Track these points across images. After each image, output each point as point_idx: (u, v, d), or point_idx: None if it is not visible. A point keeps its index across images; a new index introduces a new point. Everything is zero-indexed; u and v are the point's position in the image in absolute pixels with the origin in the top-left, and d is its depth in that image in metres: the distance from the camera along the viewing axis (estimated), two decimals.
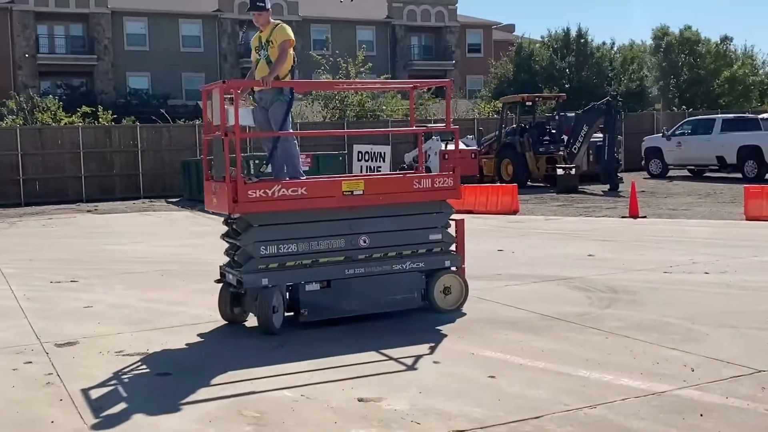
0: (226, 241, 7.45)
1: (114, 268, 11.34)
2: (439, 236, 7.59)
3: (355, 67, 34.95)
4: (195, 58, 50.24)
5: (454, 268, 7.66)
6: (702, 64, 49.17)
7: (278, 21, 7.75)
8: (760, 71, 53.09)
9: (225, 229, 7.52)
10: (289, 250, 6.91)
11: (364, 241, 7.20)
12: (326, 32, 52.66)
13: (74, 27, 48.95)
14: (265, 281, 6.74)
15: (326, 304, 7.05)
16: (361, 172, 22.20)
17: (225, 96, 6.95)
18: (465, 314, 7.49)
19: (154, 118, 32.84)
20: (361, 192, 7.13)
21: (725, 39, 52.01)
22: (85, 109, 33.00)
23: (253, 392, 5.28)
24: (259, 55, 7.60)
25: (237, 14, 50.59)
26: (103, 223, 19.65)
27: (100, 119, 32.91)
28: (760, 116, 27.01)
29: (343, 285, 7.11)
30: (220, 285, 7.36)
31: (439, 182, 7.66)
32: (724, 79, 48.84)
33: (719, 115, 28.19)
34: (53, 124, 32.13)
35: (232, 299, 7.23)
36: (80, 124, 30.98)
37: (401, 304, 7.41)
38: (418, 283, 7.47)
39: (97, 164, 27.86)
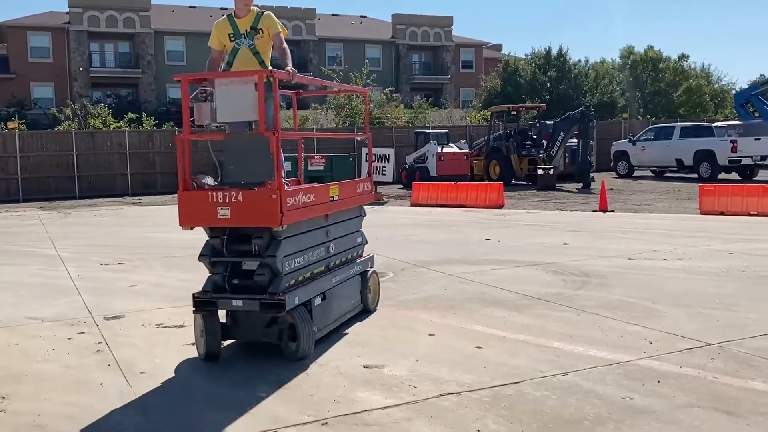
0: (213, 263, 5.40)
1: (156, 252, 11.37)
2: (360, 239, 6.92)
3: (361, 79, 34.87)
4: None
5: (374, 268, 7.06)
6: (663, 78, 49.01)
7: (260, 8, 5.97)
8: (715, 85, 52.92)
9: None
10: (299, 263, 5.47)
11: (332, 249, 6.17)
12: (339, 50, 52.63)
13: (122, 45, 49.04)
14: (296, 299, 5.19)
15: (322, 319, 5.77)
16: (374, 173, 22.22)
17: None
18: (456, 294, 7.50)
19: None
20: (337, 197, 6.14)
21: (683, 56, 51.80)
22: (130, 115, 33.49)
23: (274, 359, 5.32)
24: (237, 44, 5.87)
25: None
26: (146, 214, 19.68)
27: (144, 124, 33.07)
28: (714, 124, 26.91)
29: (330, 296, 5.95)
30: (198, 318, 5.33)
31: (361, 187, 6.91)
32: (683, 91, 48.67)
33: (678, 123, 28.10)
34: (103, 128, 32.36)
35: (225, 332, 5.49)
36: (126, 128, 31.24)
37: (353, 309, 6.52)
38: (359, 286, 6.66)
39: (141, 163, 28.09)
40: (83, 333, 6.27)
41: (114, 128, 32.18)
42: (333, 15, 57.24)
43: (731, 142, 23.63)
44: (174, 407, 4.43)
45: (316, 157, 21.31)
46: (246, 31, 5.84)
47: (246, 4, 5.85)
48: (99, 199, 25.29)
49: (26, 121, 35.84)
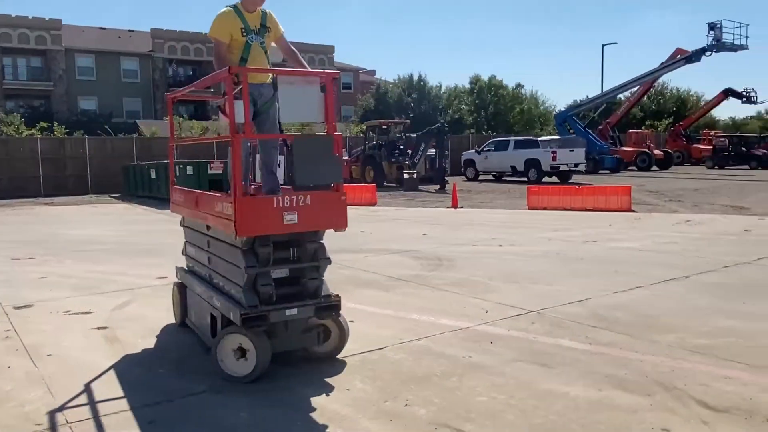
0: (259, 274, 4.08)
1: (65, 247, 10.60)
2: None
3: None
4: (133, 87, 47.82)
5: None
6: (502, 101, 51.29)
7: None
8: (541, 107, 55.95)
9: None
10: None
11: None
12: None
13: (34, 60, 45.17)
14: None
15: None
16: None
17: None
18: (334, 278, 7.49)
19: (99, 132, 31.13)
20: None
21: (518, 85, 54.44)
22: (42, 124, 31.11)
23: (173, 339, 5.11)
24: (249, 40, 4.75)
25: (167, 54, 48.46)
26: (57, 213, 18.29)
27: (55, 132, 30.82)
28: (539, 139, 28.46)
29: None
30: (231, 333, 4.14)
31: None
32: (517, 112, 51.18)
33: (513, 138, 29.43)
34: (16, 135, 29.87)
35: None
36: (39, 135, 28.96)
37: None
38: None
39: (52, 167, 26.19)
40: None
41: (26, 135, 29.76)
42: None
43: (552, 152, 25.10)
44: (77, 384, 4.15)
45: (215, 162, 20.61)
46: (256, 27, 4.79)
47: None
48: (13, 200, 23.25)
49: None
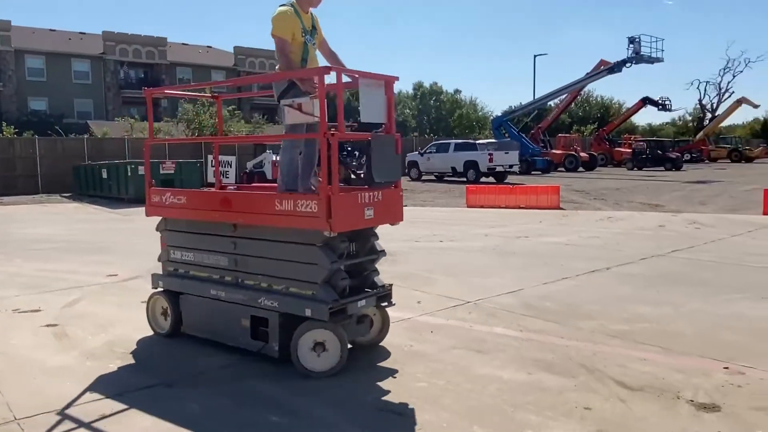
0: (338, 270, 4.00)
1: (15, 246, 10.09)
2: None
3: (207, 99, 33.36)
4: (85, 88, 45.79)
5: None
6: (443, 107, 51.94)
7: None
8: (479, 113, 56.94)
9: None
10: None
11: None
12: (188, 73, 49.95)
13: None
14: None
15: None
16: (214, 176, 21.37)
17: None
18: None
19: (50, 132, 29.72)
20: None
21: (457, 91, 55.27)
22: None
23: (123, 335, 4.95)
24: (306, 41, 4.43)
25: (118, 56, 46.76)
26: (6, 212, 17.36)
27: (5, 132, 29.24)
28: (477, 142, 28.91)
29: None
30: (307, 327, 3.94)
31: None
32: (457, 117, 51.93)
33: (453, 141, 29.76)
34: None
35: None
36: None
37: None
38: None
39: (1, 167, 24.76)
40: None
41: None
42: (183, 44, 54.13)
43: (489, 155, 25.55)
44: (26, 380, 3.98)
45: (167, 162, 20.07)
46: (309, 28, 4.47)
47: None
48: None
49: None
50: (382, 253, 4.33)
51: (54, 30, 48.25)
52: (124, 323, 5.25)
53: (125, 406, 3.54)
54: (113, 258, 8.67)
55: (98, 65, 46.59)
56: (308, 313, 3.89)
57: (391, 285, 4.39)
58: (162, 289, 4.83)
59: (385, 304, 4.37)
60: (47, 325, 5.22)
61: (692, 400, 3.50)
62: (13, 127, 30.67)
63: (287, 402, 3.57)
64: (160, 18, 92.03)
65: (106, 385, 3.85)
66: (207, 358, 4.35)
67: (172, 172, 19.53)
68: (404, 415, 3.38)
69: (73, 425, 3.31)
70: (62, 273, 7.60)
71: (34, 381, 3.97)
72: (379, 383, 3.83)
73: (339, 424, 3.28)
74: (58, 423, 3.34)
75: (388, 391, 3.70)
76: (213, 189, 5.24)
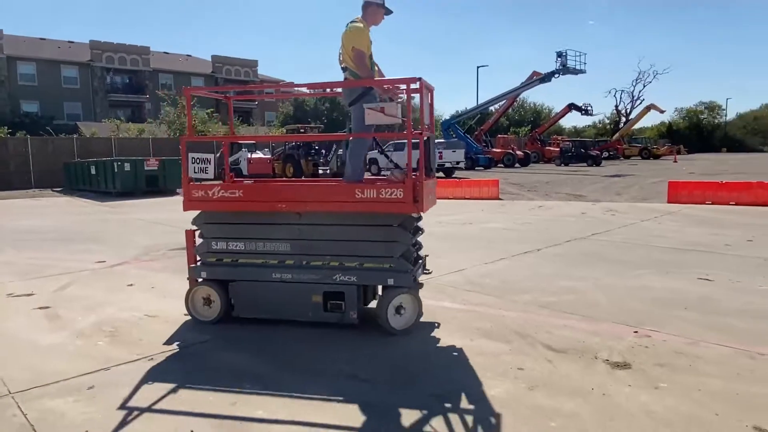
0: (412, 241, 4.28)
1: (8, 237, 9.62)
2: None
3: (185, 101, 32.48)
4: (73, 92, 43.92)
5: None
6: (403, 109, 51.76)
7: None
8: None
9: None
10: None
11: None
12: (169, 79, 48.43)
13: None
14: None
15: None
16: (195, 172, 20.84)
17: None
18: None
19: (41, 133, 28.42)
20: None
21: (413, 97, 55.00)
22: None
23: (111, 316, 4.78)
24: (371, 53, 4.43)
25: (105, 63, 44.95)
26: (1, 206, 16.57)
27: None
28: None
29: None
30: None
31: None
32: (412, 120, 51.82)
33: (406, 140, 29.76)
34: None
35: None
36: None
37: None
38: None
39: None
40: None
41: None
42: (164, 52, 52.39)
43: (439, 153, 25.72)
44: (20, 358, 3.81)
45: (151, 159, 19.45)
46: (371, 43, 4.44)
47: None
48: None
49: None
50: (422, 230, 4.59)
51: (44, 39, 46.05)
52: (112, 305, 5.08)
53: (111, 379, 3.43)
54: (102, 246, 8.37)
55: (86, 71, 44.73)
56: (390, 282, 4.06)
57: (426, 255, 4.64)
58: (203, 280, 4.47)
59: (428, 270, 4.70)
60: (40, 308, 5.01)
61: (607, 360, 3.62)
62: (6, 127, 29.22)
63: (260, 370, 3.53)
64: (143, 28, 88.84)
65: (93, 361, 3.72)
66: (187, 333, 4.25)
67: (156, 168, 18.94)
68: (357, 378, 3.38)
69: (64, 397, 3.19)
70: (53, 261, 7.29)
71: (28, 358, 3.81)
72: (344, 355, 3.82)
73: (307, 389, 3.26)
74: (50, 395, 3.21)
75: (352, 361, 3.70)
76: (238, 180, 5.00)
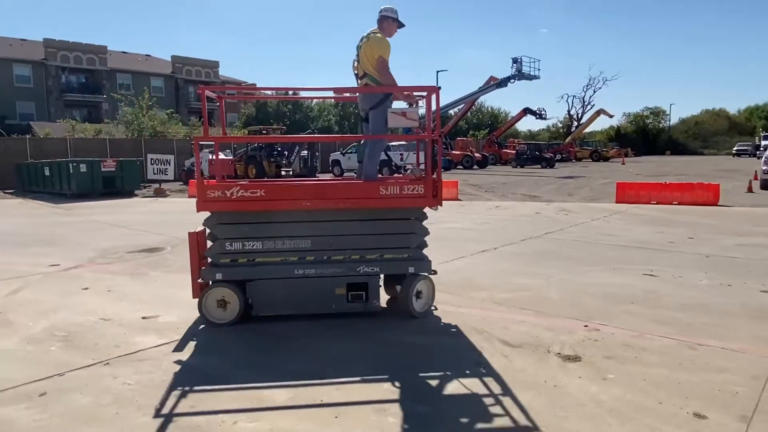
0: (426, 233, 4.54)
1: None
2: None
3: (145, 103, 31.35)
4: (26, 91, 41.88)
5: None
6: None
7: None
8: None
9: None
10: None
11: None
12: (128, 79, 46.86)
13: None
14: None
15: None
16: (154, 174, 20.32)
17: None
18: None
19: None
20: None
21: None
22: None
23: (64, 320, 4.58)
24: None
25: (59, 62, 43.05)
26: None
27: None
28: (391, 143, 29.21)
29: None
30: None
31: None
32: None
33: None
34: None
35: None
36: None
37: None
38: None
39: None
40: None
41: None
42: (122, 52, 50.64)
43: (401, 154, 25.91)
44: None
45: (108, 160, 18.77)
46: None
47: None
48: None
49: None
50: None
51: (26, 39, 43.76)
52: (65, 309, 4.87)
53: (64, 385, 3.28)
54: (55, 249, 8.00)
55: (40, 70, 42.76)
56: (411, 270, 4.38)
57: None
58: (217, 281, 4.29)
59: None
60: None
61: (559, 353, 3.71)
62: None
63: (217, 372, 3.45)
64: (100, 27, 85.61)
65: (46, 367, 3.55)
66: (142, 338, 4.12)
67: (114, 169, 18.30)
68: (313, 376, 3.35)
69: (15, 405, 3.03)
70: (4, 264, 6.93)
71: None
72: (301, 352, 3.78)
73: (265, 385, 3.20)
74: (0, 403, 3.04)
75: (309, 357, 3.66)
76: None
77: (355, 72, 4.70)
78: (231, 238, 4.26)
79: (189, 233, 4.47)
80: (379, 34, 4.53)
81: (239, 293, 4.29)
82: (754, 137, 53.04)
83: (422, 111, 4.54)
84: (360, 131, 4.94)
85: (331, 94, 4.94)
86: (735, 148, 52.21)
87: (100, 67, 45.23)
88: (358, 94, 4.81)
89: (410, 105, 4.62)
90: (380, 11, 4.62)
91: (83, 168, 17.71)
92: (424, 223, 4.50)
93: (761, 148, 25.68)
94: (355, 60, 4.67)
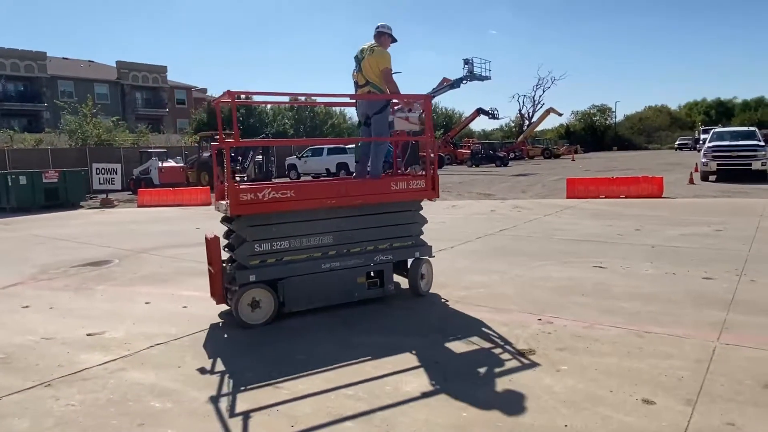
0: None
1: None
2: None
3: (89, 110, 30.02)
4: None
5: None
6: (318, 117, 51.50)
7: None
8: (348, 122, 57.08)
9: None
10: None
11: None
12: (70, 86, 44.82)
13: None
14: None
15: None
16: (101, 183, 19.54)
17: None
18: (170, 270, 6.91)
19: None
20: None
21: (330, 103, 54.77)
22: None
23: (2, 341, 4.30)
24: None
25: None
26: None
27: None
28: (347, 146, 29.11)
29: None
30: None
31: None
32: (330, 125, 51.80)
33: (326, 146, 29.64)
34: None
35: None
36: None
37: None
38: None
39: None
40: None
41: None
42: (63, 58, 48.43)
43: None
44: None
45: (50, 171, 17.89)
46: None
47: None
48: None
49: None
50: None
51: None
52: (3, 329, 4.59)
53: (1, 411, 3.08)
54: None
55: None
56: (417, 255, 5.03)
57: None
58: (250, 283, 4.33)
59: None
60: None
61: (515, 347, 3.77)
62: None
63: (169, 386, 3.32)
64: (39, 32, 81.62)
65: None
66: (87, 356, 3.92)
67: (56, 181, 17.46)
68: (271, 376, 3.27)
69: None
70: None
71: None
72: (273, 353, 3.68)
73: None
74: None
75: (280, 356, 3.58)
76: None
77: (355, 80, 5.24)
78: (260, 240, 4.39)
79: (207, 238, 4.58)
80: (380, 48, 5.12)
81: (272, 292, 4.42)
82: (694, 131, 55.87)
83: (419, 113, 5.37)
84: (359, 134, 5.47)
85: (345, 100, 5.51)
86: (677, 143, 54.89)
87: (40, 74, 43.16)
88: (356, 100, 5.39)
89: (410, 110, 5.38)
90: (378, 27, 5.20)
91: (23, 180, 16.81)
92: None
93: (700, 142, 27.10)
94: (355, 70, 5.21)
